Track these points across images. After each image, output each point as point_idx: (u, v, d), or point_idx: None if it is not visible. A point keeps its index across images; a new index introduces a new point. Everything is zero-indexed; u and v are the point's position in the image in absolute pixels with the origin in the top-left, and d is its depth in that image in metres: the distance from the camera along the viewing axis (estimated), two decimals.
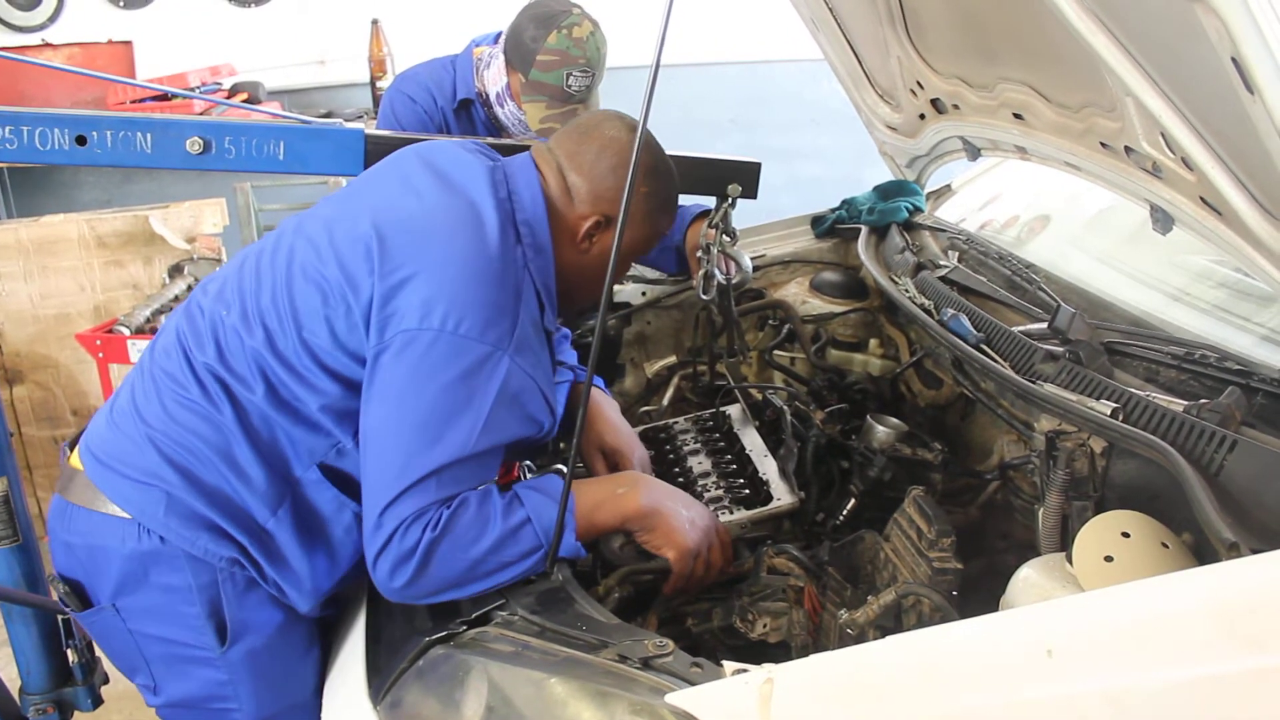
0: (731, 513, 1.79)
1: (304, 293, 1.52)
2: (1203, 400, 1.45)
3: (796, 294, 2.51)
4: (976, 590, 1.51)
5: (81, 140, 1.88)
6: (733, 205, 2.05)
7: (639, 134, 1.35)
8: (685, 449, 2.04)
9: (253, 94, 4.16)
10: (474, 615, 1.38)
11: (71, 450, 1.69)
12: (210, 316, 1.59)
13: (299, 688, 1.66)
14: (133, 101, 3.94)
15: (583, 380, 1.85)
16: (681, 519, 1.59)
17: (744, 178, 2.04)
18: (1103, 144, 1.75)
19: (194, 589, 1.57)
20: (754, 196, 2.06)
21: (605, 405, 1.84)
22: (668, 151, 1.72)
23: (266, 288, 1.56)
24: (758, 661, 1.15)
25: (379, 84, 4.18)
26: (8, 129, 1.86)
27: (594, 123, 1.68)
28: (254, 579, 1.57)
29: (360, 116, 4.11)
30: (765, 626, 1.54)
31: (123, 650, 1.68)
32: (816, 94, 4.59)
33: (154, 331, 3.42)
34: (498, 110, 2.59)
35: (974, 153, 2.40)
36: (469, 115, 2.66)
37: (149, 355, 1.66)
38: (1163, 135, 1.48)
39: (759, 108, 4.58)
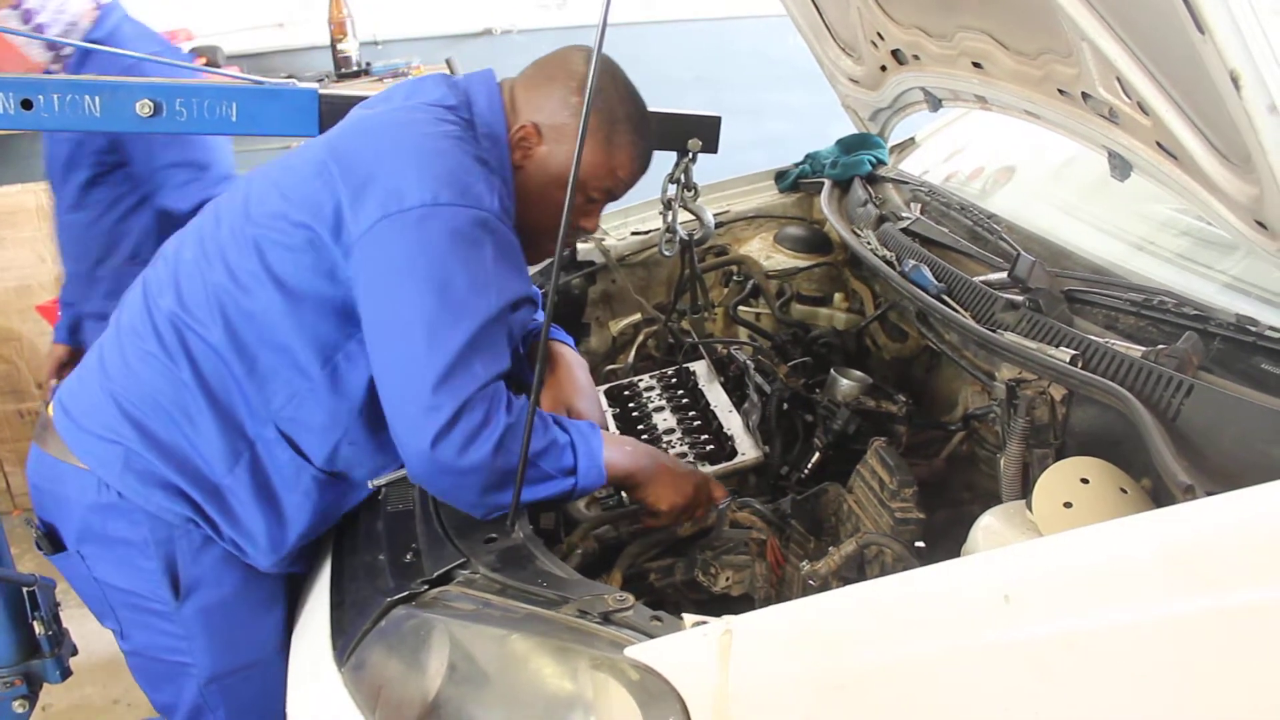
0: (697, 468, 1.79)
1: (264, 220, 1.51)
2: (1160, 346, 1.45)
3: (760, 249, 2.50)
4: (942, 541, 1.52)
5: (27, 104, 1.84)
6: (693, 160, 2.03)
7: (594, 58, 1.34)
8: (650, 406, 2.03)
9: (211, 58, 4.08)
10: (435, 574, 1.37)
11: (54, 397, 1.69)
12: (172, 261, 1.60)
13: (257, 646, 1.67)
14: None
15: (557, 338, 1.84)
16: (680, 478, 1.60)
17: (704, 132, 2.02)
18: (1060, 90, 1.74)
19: (150, 543, 1.58)
20: (714, 151, 2.04)
21: (576, 367, 1.82)
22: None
23: (225, 225, 1.56)
24: (720, 615, 1.15)
25: (339, 46, 4.13)
26: None
27: (557, 50, 1.67)
28: (210, 536, 1.57)
29: (321, 80, 4.05)
30: (728, 580, 1.54)
31: (91, 595, 1.71)
32: (782, 51, 4.55)
33: None
34: None
35: (935, 103, 2.39)
36: None
37: (119, 309, 1.66)
38: (1118, 80, 1.48)
39: (724, 65, 4.55)
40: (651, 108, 1.93)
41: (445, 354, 1.37)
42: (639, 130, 1.66)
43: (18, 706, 2.16)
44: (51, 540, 1.67)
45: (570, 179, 1.32)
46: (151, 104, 1.86)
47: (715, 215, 2.17)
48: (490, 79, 1.66)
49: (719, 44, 4.55)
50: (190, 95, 1.89)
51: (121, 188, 2.57)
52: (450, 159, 1.47)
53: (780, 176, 2.70)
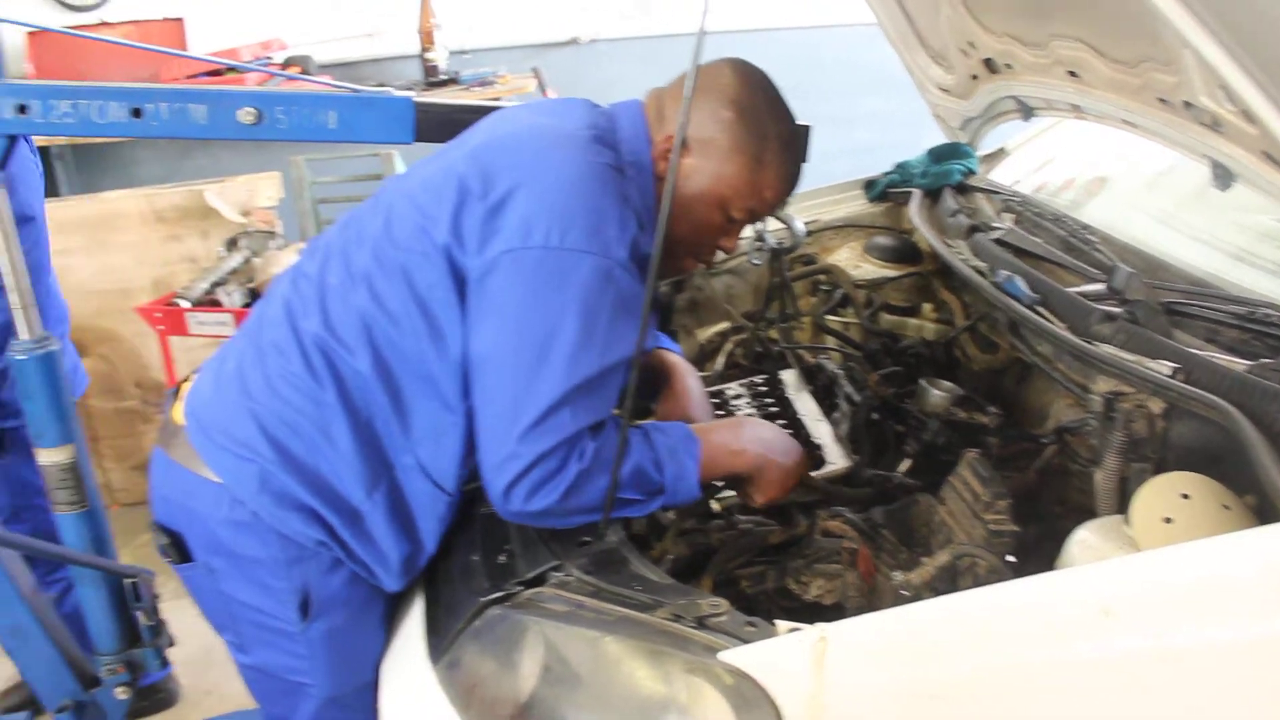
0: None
1: (407, 242, 1.51)
2: (1265, 360, 1.43)
3: (849, 258, 2.49)
4: (1033, 555, 1.50)
5: (137, 113, 1.90)
6: None
7: (694, 57, 1.34)
8: (739, 413, 2.04)
9: (304, 68, 4.19)
10: (529, 576, 1.39)
11: (175, 400, 1.71)
12: (316, 282, 1.58)
13: (373, 665, 1.66)
14: (187, 77, 3.98)
15: (665, 346, 1.87)
16: (782, 473, 1.60)
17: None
18: (1160, 99, 1.72)
19: (281, 563, 1.57)
20: (804, 159, 2.04)
21: (690, 378, 1.80)
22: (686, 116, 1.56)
23: (368, 248, 1.55)
24: (811, 623, 1.15)
25: (428, 55, 4.20)
26: (67, 103, 1.89)
27: (711, 61, 1.62)
28: (340, 559, 1.57)
29: (411, 88, 4.13)
30: (819, 589, 1.54)
31: (213, 607, 1.70)
32: (870, 59, 4.53)
33: (212, 304, 3.47)
34: None
35: (1028, 113, 2.37)
36: None
37: (256, 323, 1.66)
38: (1222, 88, 1.45)
39: (811, 73, 4.52)
40: None
41: (536, 406, 1.38)
42: (790, 149, 1.62)
43: (120, 693, 2.24)
44: (176, 548, 1.67)
45: (667, 189, 1.33)
46: (254, 112, 1.91)
47: (804, 224, 2.17)
48: (636, 109, 1.64)
49: (807, 53, 4.54)
50: (291, 103, 1.93)
51: None
52: (588, 197, 1.45)
53: (869, 186, 2.69)
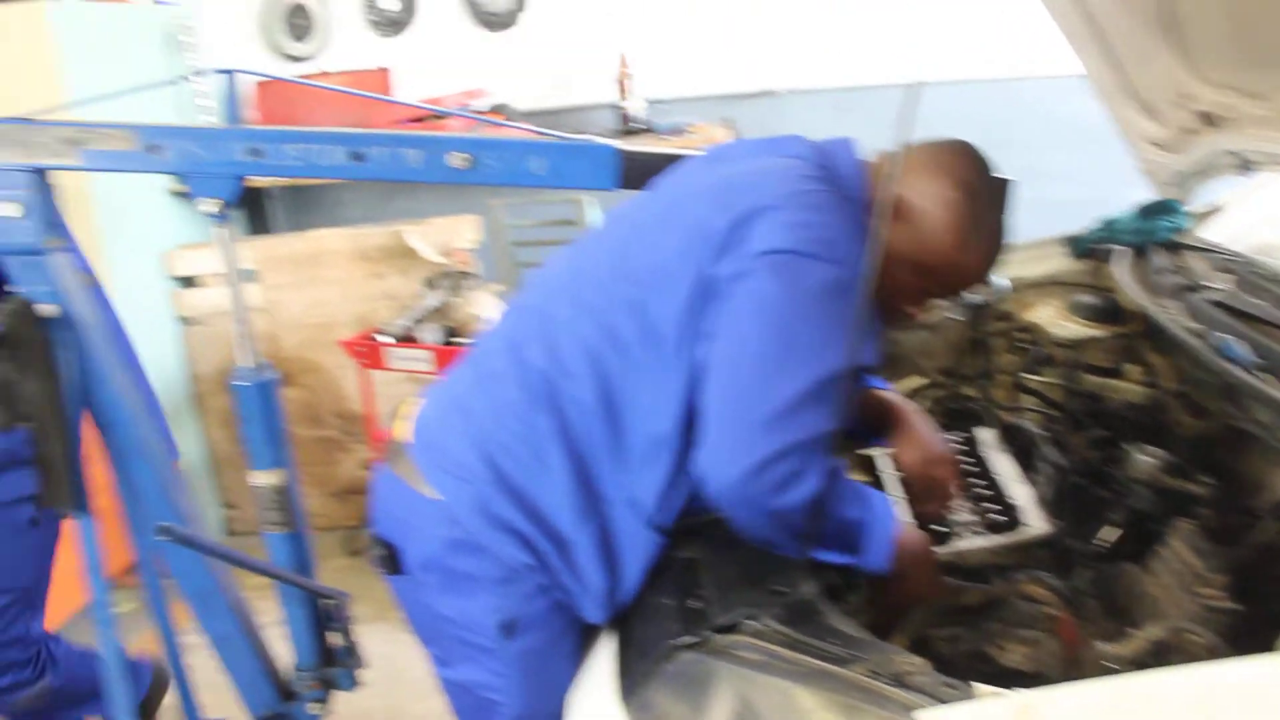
0: (983, 537, 1.75)
1: (645, 277, 1.56)
2: None
3: (1050, 316, 2.42)
4: (1248, 638, 1.42)
5: (357, 156, 2.01)
6: None
7: (905, 110, 1.37)
8: None
9: (503, 115, 4.34)
10: (722, 622, 1.39)
11: (394, 421, 1.81)
12: (541, 315, 1.65)
13: (561, 692, 1.68)
14: (394, 122, 4.17)
15: (879, 387, 1.87)
16: (931, 584, 1.60)
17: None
18: None
19: (492, 582, 1.63)
20: (1007, 214, 2.00)
21: (919, 415, 1.81)
22: (890, 164, 1.59)
23: (599, 281, 1.61)
24: (1011, 689, 1.12)
25: (623, 104, 4.30)
26: (295, 147, 2.01)
27: (949, 139, 1.68)
28: (546, 585, 1.62)
29: (605, 137, 4.23)
30: (1019, 655, 1.49)
31: (420, 620, 1.79)
32: (1067, 111, 4.43)
33: (411, 340, 3.61)
34: None
35: (1247, 167, 2.27)
36: None
37: (480, 353, 1.73)
38: None
39: (1006, 126, 4.42)
40: None
41: (780, 397, 1.40)
42: (998, 236, 1.65)
43: (313, 709, 2.34)
44: (392, 561, 1.74)
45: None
46: (466, 157, 1.99)
47: (1005, 279, 2.12)
48: (850, 145, 1.69)
49: (1003, 104, 4.45)
50: (500, 149, 2.01)
51: None
52: (829, 214, 1.51)
53: (1073, 242, 2.61)
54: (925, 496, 1.75)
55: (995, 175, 1.64)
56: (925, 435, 1.77)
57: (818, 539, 1.44)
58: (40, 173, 2.05)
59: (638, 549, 1.60)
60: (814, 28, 4.47)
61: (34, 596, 2.54)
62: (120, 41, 4.15)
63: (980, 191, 1.62)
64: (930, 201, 1.59)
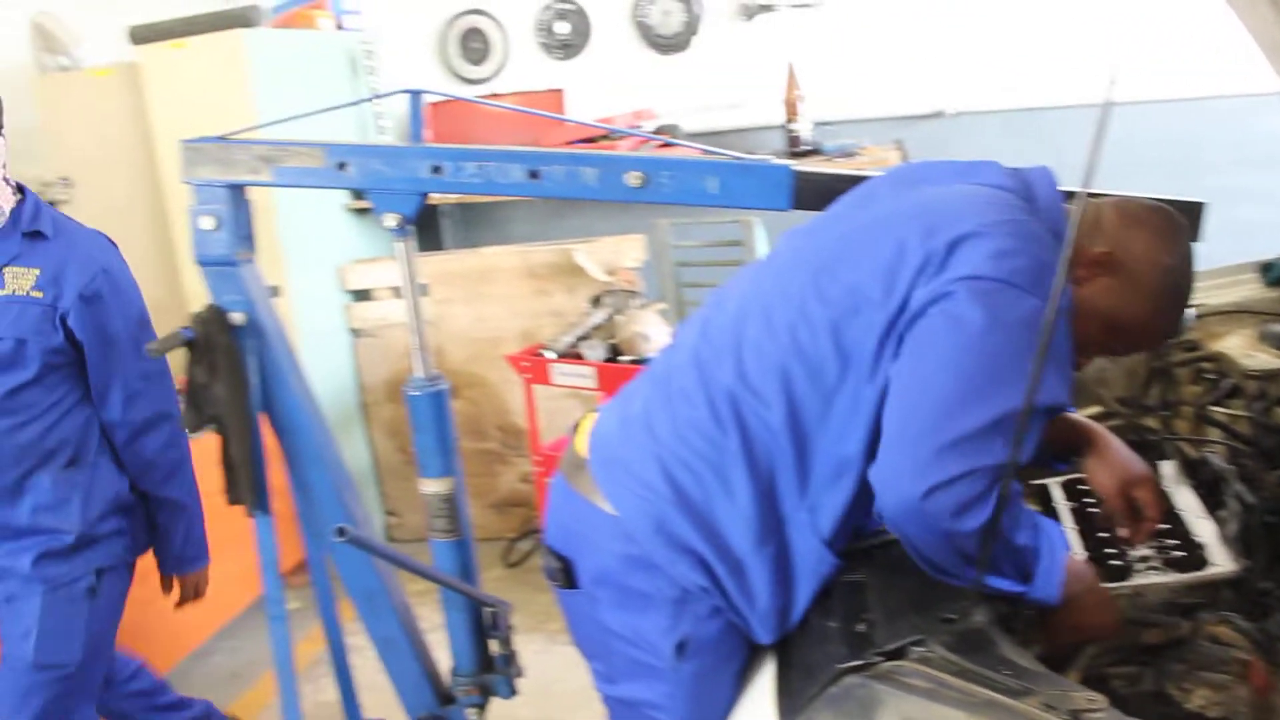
0: (1162, 574, 1.67)
1: (839, 298, 1.54)
2: None
3: (1240, 346, 2.30)
4: None
5: (534, 175, 2.06)
6: None
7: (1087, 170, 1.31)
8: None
9: (672, 136, 4.38)
10: (890, 648, 1.36)
11: (574, 434, 1.82)
12: (731, 333, 1.64)
13: (723, 714, 1.68)
14: (566, 142, 4.26)
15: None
16: (1104, 626, 1.54)
17: (1186, 218, 1.90)
18: None
19: (666, 602, 1.63)
20: (1196, 239, 1.92)
21: (1111, 435, 1.76)
22: (1084, 189, 1.52)
23: (793, 301, 1.59)
24: None
25: (791, 126, 4.28)
26: (474, 165, 2.07)
27: (1163, 202, 1.68)
28: (720, 607, 1.61)
29: (775, 158, 4.23)
30: (1204, 698, 1.42)
31: (588, 634, 1.79)
32: (1256, 130, 4.24)
33: (575, 357, 3.66)
34: None
35: None
36: None
37: (664, 370, 1.73)
38: None
39: (1187, 147, 4.26)
40: (1118, 190, 1.87)
41: (969, 422, 1.38)
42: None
43: (471, 714, 2.39)
44: (564, 574, 1.75)
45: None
46: (640, 176, 2.01)
47: (1189, 307, 2.03)
48: (1050, 176, 1.65)
49: (1181, 125, 4.28)
50: (675, 169, 2.03)
51: (61, 389, 2.30)
52: (1034, 244, 1.48)
53: (1266, 269, 2.48)
54: (1127, 520, 1.69)
55: (1186, 241, 1.63)
56: (1123, 456, 1.71)
57: (988, 564, 1.40)
58: (237, 188, 2.17)
59: (812, 571, 1.58)
60: (986, 48, 4.37)
61: (84, 679, 2.36)
62: (308, 65, 4.36)
63: (1185, 259, 1.61)
64: (1143, 264, 1.57)
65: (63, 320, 2.24)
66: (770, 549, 1.57)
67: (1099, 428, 1.76)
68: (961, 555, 1.42)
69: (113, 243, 2.44)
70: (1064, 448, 1.76)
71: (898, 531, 1.47)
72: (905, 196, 1.65)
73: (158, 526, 2.49)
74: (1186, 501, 1.87)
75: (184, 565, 2.54)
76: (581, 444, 1.77)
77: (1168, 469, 1.98)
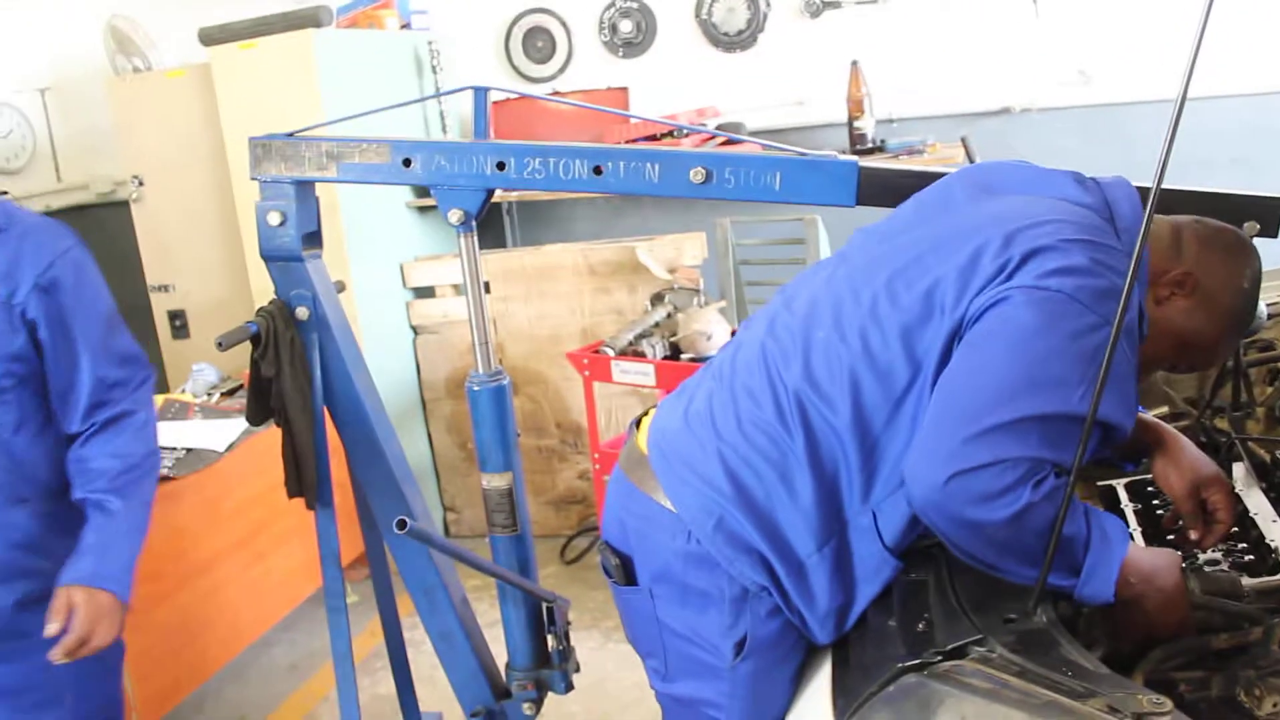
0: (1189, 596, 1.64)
1: (911, 304, 1.53)
2: None
3: None
4: None
5: (598, 170, 2.06)
6: None
7: (1158, 172, 1.29)
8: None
9: (735, 133, 4.37)
10: (949, 647, 1.35)
11: (637, 429, 1.83)
12: (801, 334, 1.63)
13: (780, 713, 1.68)
14: (629, 140, 4.26)
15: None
16: (1178, 623, 1.49)
17: (1263, 214, 1.86)
18: None
19: (726, 600, 1.63)
20: (1274, 235, 1.88)
21: (1178, 435, 1.73)
22: (1153, 196, 1.42)
23: (864, 304, 1.58)
24: None
25: (855, 124, 4.25)
26: (538, 160, 2.07)
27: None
28: (779, 607, 1.61)
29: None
30: (1275, 705, 1.39)
31: (645, 632, 1.78)
32: None
33: (636, 354, 3.67)
34: None
35: None
36: None
37: (729, 367, 1.72)
38: None
39: (1267, 143, 4.17)
40: (1192, 187, 1.84)
41: (1004, 413, 1.37)
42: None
43: (527, 709, 2.39)
44: (622, 570, 1.76)
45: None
46: (704, 171, 2.00)
47: (1267, 305, 1.98)
48: (1130, 191, 1.63)
49: (1259, 120, 4.18)
50: (739, 165, 2.01)
51: (28, 407, 2.09)
52: (1102, 265, 1.46)
53: None
54: (1197, 523, 1.65)
55: (1258, 267, 1.64)
56: (1193, 456, 1.68)
57: (1030, 557, 1.38)
58: (304, 184, 2.19)
59: (873, 574, 1.57)
60: (1052, 43, 4.31)
61: None
62: (375, 64, 4.42)
63: (1257, 285, 1.62)
64: (1221, 287, 1.58)
65: (23, 318, 2.03)
66: (831, 551, 1.56)
67: (1168, 428, 1.73)
68: (996, 547, 1.40)
69: (74, 231, 2.18)
70: (1131, 448, 1.73)
71: (927, 522, 1.46)
72: (983, 205, 1.63)
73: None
74: (1258, 504, 1.82)
75: (92, 579, 2.02)
76: (642, 440, 1.77)
77: (1239, 471, 1.94)
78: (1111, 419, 1.43)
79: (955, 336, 1.48)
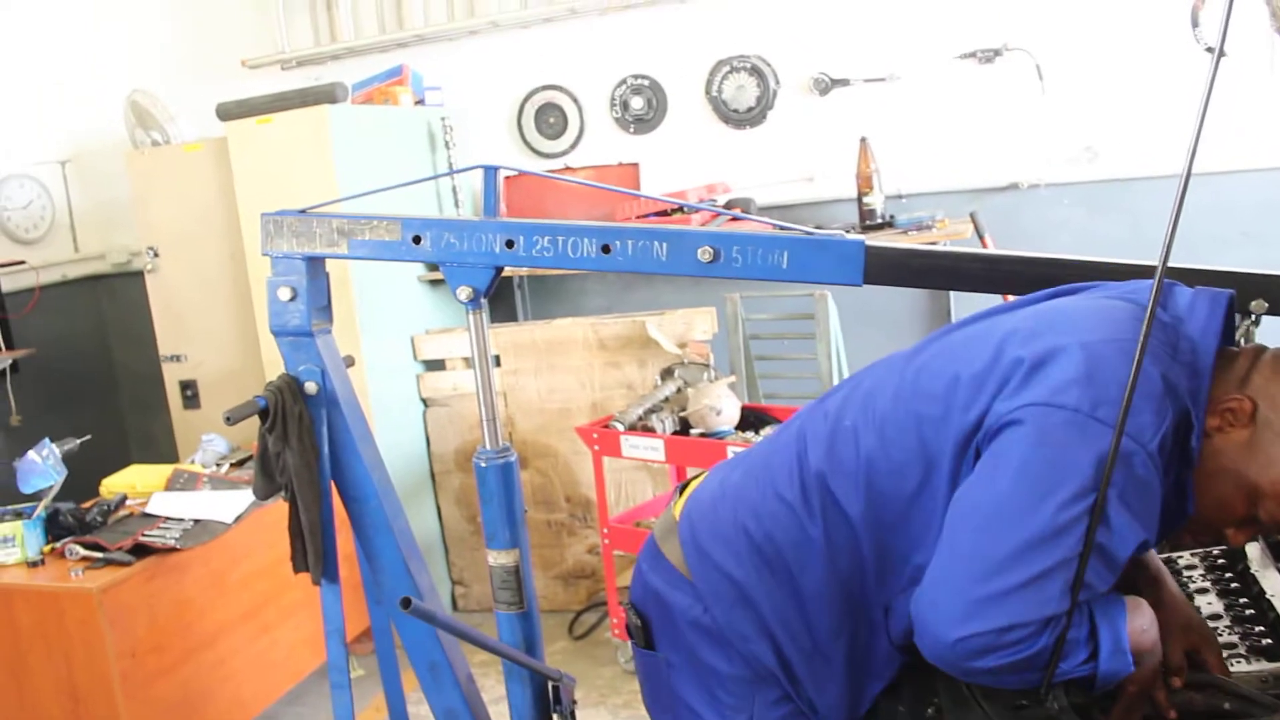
0: (1249, 662, 1.61)
1: (928, 399, 1.49)
2: None
3: None
4: None
5: (606, 249, 2.06)
6: (1256, 323, 1.87)
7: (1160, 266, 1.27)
8: (1191, 586, 1.86)
9: (745, 209, 4.40)
10: None
11: (679, 498, 1.82)
12: (833, 419, 1.61)
13: None
14: (639, 216, 4.29)
15: None
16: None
17: (1272, 293, 1.85)
18: None
19: (735, 680, 1.62)
20: None
21: (1171, 579, 1.64)
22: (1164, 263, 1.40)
23: (890, 393, 1.55)
24: None
25: (865, 199, 4.28)
26: (547, 239, 2.08)
27: None
28: (789, 694, 1.59)
29: (847, 231, 4.21)
30: None
31: (660, 699, 1.77)
32: None
33: (645, 429, 3.66)
34: None
35: None
36: None
37: (770, 444, 1.73)
38: None
39: (1278, 218, 4.17)
40: (1197, 265, 1.82)
41: (1023, 571, 1.30)
42: None
43: None
44: (644, 633, 1.75)
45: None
46: (712, 250, 2.00)
47: None
48: (1221, 299, 1.49)
49: (1270, 196, 4.18)
50: (746, 243, 2.02)
51: None
52: (1129, 368, 1.32)
53: None
54: (1179, 671, 1.53)
55: None
56: (1178, 598, 1.60)
57: (1036, 675, 1.35)
58: (315, 260, 2.21)
59: (883, 667, 1.55)
60: (1061, 120, 4.35)
61: None
62: (389, 139, 4.47)
63: None
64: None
65: None
66: (844, 642, 1.55)
67: (1163, 573, 1.63)
68: (1003, 678, 1.36)
69: None
70: (1126, 582, 1.60)
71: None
72: (1036, 304, 1.57)
73: None
74: (1275, 585, 1.80)
75: None
76: (678, 506, 1.77)
77: (1254, 551, 1.91)
78: (1146, 541, 1.36)
79: (968, 441, 1.43)
